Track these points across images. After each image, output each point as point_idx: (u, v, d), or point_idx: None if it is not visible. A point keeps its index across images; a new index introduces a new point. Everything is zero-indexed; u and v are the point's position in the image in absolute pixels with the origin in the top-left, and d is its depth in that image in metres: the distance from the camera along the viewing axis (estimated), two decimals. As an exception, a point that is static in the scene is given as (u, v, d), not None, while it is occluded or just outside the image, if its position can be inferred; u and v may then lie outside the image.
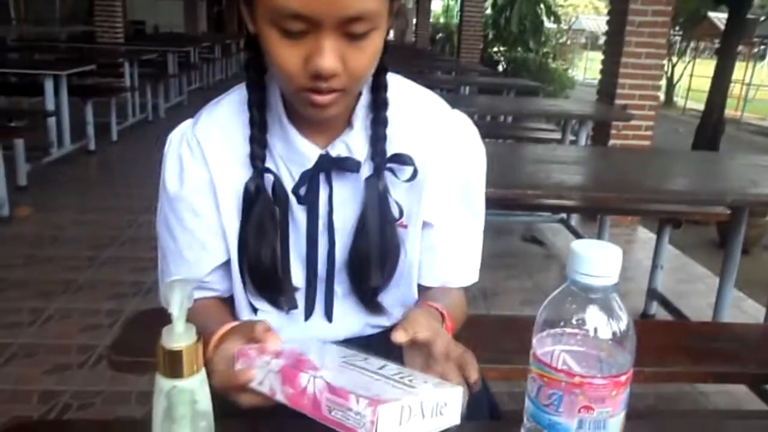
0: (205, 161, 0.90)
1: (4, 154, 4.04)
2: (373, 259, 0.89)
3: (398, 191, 0.91)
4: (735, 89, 11.93)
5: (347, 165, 0.88)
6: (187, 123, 0.94)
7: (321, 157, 0.88)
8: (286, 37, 0.74)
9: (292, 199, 0.89)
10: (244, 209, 0.88)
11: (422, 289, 1.00)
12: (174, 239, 0.93)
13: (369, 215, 0.87)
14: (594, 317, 0.53)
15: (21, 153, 4.44)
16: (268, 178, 0.88)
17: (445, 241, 0.97)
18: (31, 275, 3.17)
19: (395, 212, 0.90)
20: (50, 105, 5.16)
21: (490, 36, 14.03)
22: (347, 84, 0.78)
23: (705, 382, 2.24)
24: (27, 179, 4.53)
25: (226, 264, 0.94)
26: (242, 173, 0.89)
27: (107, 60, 7.30)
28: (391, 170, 0.89)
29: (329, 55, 0.73)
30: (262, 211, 0.87)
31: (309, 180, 0.88)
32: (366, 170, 0.89)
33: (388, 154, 0.89)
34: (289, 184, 0.89)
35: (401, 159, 0.88)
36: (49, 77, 5.11)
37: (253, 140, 0.87)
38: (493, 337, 1.67)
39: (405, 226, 0.93)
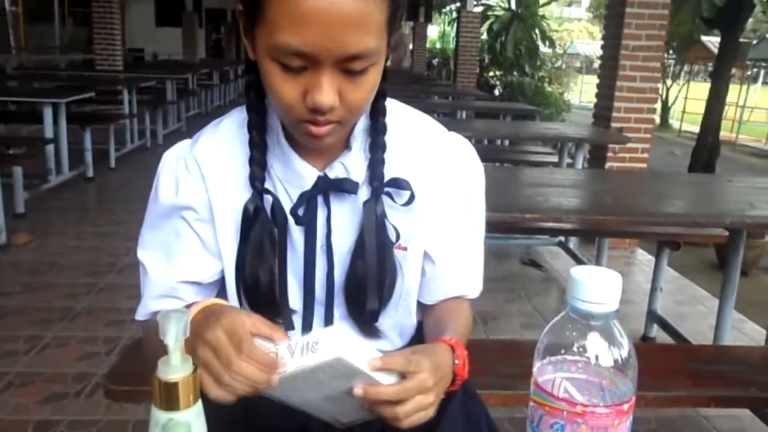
0: (204, 182, 0.90)
1: (2, 182, 4.05)
2: (369, 282, 0.89)
3: (397, 214, 0.91)
4: (729, 111, 12.02)
5: (345, 186, 0.89)
6: (184, 143, 0.94)
7: (319, 178, 0.89)
8: (285, 71, 0.75)
9: (290, 220, 0.89)
10: (242, 230, 0.88)
11: (427, 308, 1.01)
12: (165, 244, 0.92)
13: (366, 239, 0.88)
14: (595, 344, 0.53)
15: (19, 180, 4.44)
16: (267, 200, 0.88)
17: (449, 261, 0.98)
18: (28, 303, 3.15)
19: (392, 236, 0.90)
20: (49, 132, 5.17)
21: (486, 61, 14.16)
22: (344, 116, 0.79)
23: (707, 406, 2.22)
24: (25, 206, 4.52)
25: (204, 283, 0.93)
26: (241, 195, 0.89)
27: (106, 87, 7.35)
28: (389, 194, 0.89)
29: (327, 91, 0.75)
30: (261, 232, 0.87)
31: (307, 201, 0.89)
32: (364, 194, 0.90)
33: (387, 178, 0.90)
34: (287, 206, 0.89)
35: (398, 183, 0.89)
36: (48, 105, 5.14)
37: (252, 161, 0.87)
38: (494, 363, 1.65)
39: (404, 249, 0.93)
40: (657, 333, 3.14)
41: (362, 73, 0.76)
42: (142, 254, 0.94)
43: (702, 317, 3.46)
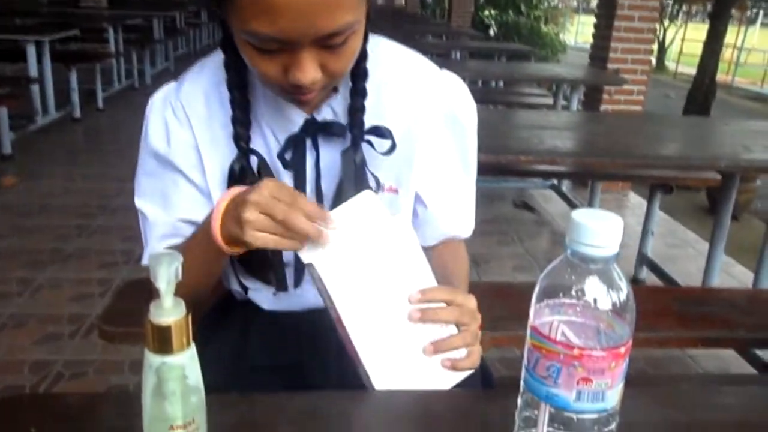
0: (190, 126, 0.88)
1: (-12, 122, 3.98)
2: None
3: (388, 156, 0.89)
4: (726, 54, 11.87)
5: (333, 130, 0.87)
6: (170, 86, 0.91)
7: (307, 121, 0.87)
8: (261, 52, 0.73)
9: (278, 165, 0.87)
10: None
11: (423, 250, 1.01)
12: (162, 189, 0.90)
13: (345, 188, 0.86)
14: (594, 288, 0.52)
15: (5, 121, 4.37)
16: (253, 158, 0.86)
17: (441, 202, 0.97)
18: (19, 245, 3.14)
19: (373, 185, 0.89)
20: (33, 71, 5.05)
21: (481, -1, 13.83)
22: (329, 82, 0.78)
23: (695, 347, 2.27)
24: (12, 148, 4.46)
25: None
26: (227, 145, 0.87)
27: (90, 25, 7.14)
28: (369, 142, 0.87)
29: (308, 70, 0.73)
30: None
31: (295, 145, 0.87)
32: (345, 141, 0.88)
33: (378, 117, 0.88)
34: (275, 150, 0.87)
35: (380, 131, 0.87)
36: (32, 43, 5.00)
37: (235, 121, 0.85)
38: (485, 304, 1.67)
39: (395, 191, 0.92)
40: (647, 275, 3.18)
41: (342, 44, 0.73)
42: (140, 203, 0.92)
43: (691, 260, 3.50)
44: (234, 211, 0.74)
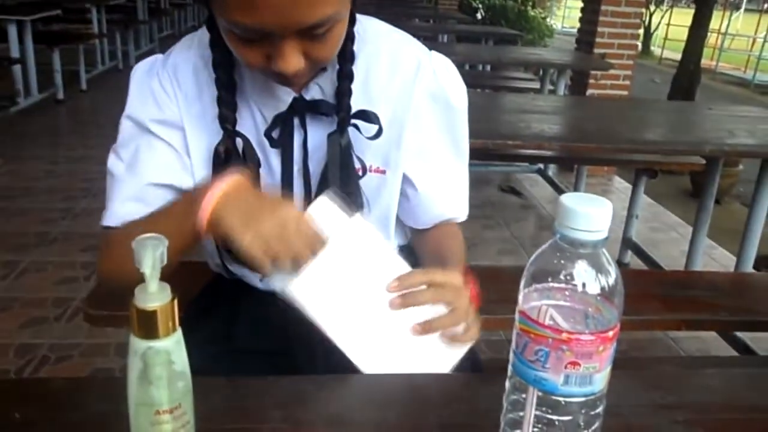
0: (177, 97, 0.87)
1: (-32, 104, 3.91)
2: None
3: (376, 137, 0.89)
4: (710, 39, 11.89)
5: (321, 108, 0.86)
6: (156, 57, 0.90)
7: (295, 100, 0.86)
8: (244, 42, 0.72)
9: (265, 143, 0.86)
10: (214, 172, 0.85)
11: (418, 233, 1.01)
12: (137, 153, 0.87)
13: (330, 172, 0.86)
14: (582, 272, 0.52)
15: (-14, 102, 4.30)
16: (239, 141, 0.85)
17: (432, 184, 0.97)
18: (4, 228, 3.11)
19: (359, 168, 0.89)
20: (15, 52, 4.97)
21: (469, -18, 13.73)
22: (314, 68, 0.78)
23: (678, 329, 2.29)
24: (-7, 129, 4.40)
25: (176, 187, 0.89)
26: (213, 122, 0.85)
27: (73, 5, 7.02)
28: (356, 126, 0.87)
29: (290, 60, 0.73)
30: None
31: (282, 123, 0.86)
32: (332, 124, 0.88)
33: (369, 99, 0.88)
34: (262, 128, 0.87)
35: (367, 116, 0.86)
36: (12, 23, 4.91)
37: (221, 102, 0.84)
38: (472, 288, 1.68)
39: (383, 172, 0.92)
40: (631, 259, 3.20)
41: (326, 32, 0.73)
42: (112, 162, 0.89)
43: (675, 243, 3.53)
44: (256, 217, 0.71)
